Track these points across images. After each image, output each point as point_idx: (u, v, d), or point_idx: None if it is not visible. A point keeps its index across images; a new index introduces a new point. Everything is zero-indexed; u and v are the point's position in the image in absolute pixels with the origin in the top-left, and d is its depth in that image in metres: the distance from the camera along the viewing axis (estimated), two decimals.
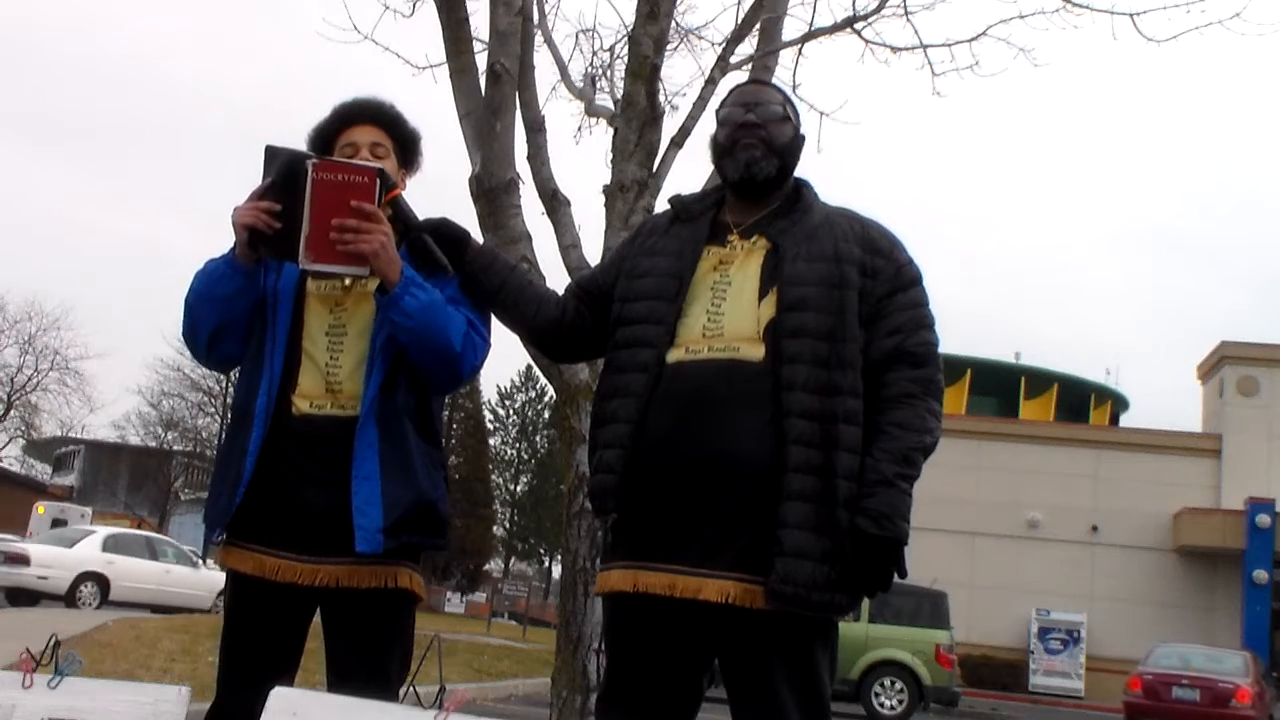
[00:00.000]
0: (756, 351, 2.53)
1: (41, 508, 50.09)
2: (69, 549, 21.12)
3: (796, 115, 2.80)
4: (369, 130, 2.82)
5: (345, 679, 2.62)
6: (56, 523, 47.58)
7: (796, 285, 2.55)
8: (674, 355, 2.58)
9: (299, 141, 2.83)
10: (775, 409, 2.47)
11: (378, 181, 2.60)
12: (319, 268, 2.64)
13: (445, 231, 2.81)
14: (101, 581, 20.80)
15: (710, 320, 2.58)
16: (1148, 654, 20.44)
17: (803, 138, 2.78)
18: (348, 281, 2.71)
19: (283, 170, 2.61)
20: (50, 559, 20.51)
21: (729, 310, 2.58)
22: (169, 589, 21.66)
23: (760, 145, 2.68)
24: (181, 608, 20.99)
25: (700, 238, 2.70)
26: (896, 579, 2.54)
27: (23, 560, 20.18)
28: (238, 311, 2.72)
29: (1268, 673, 21.10)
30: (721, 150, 2.73)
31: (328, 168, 2.59)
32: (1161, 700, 18.49)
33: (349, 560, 2.62)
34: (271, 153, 2.65)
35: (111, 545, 21.71)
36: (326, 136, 2.83)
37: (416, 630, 2.83)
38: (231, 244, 2.70)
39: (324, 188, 2.57)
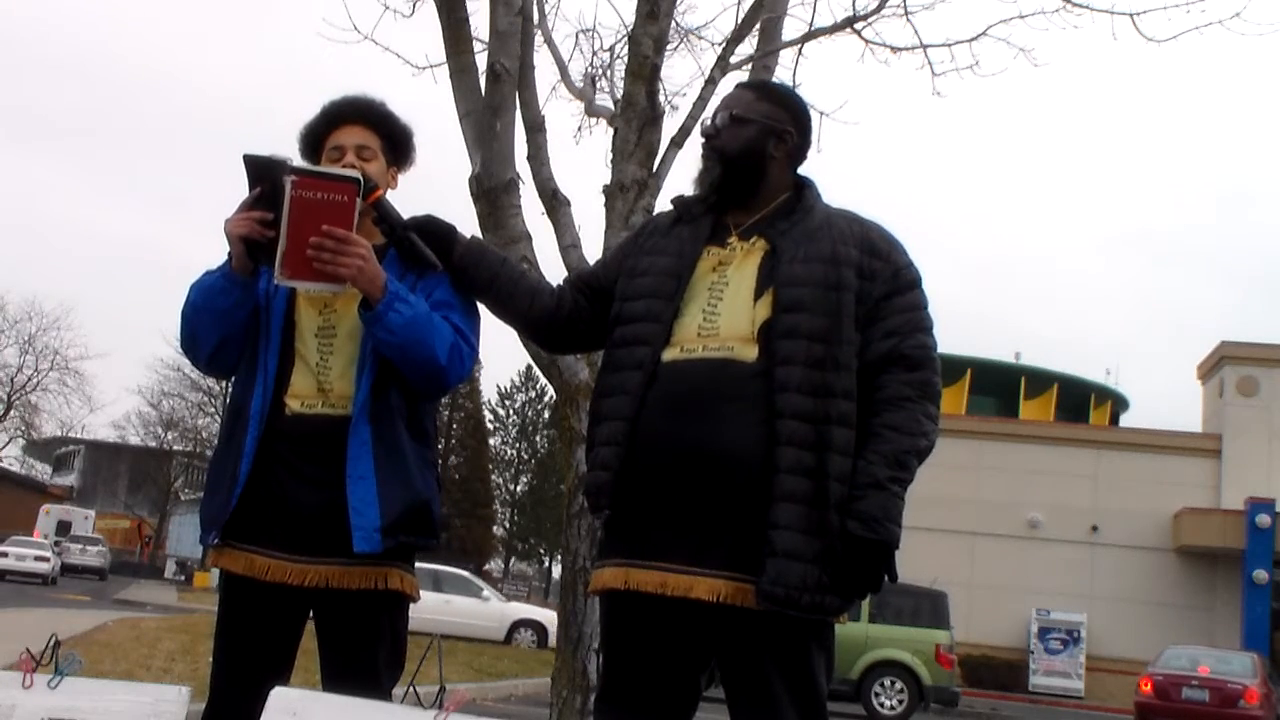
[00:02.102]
0: (750, 352, 2.52)
1: (48, 510, 50.44)
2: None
3: (770, 109, 2.72)
4: (356, 131, 2.80)
5: (337, 680, 2.62)
6: (61, 525, 47.99)
7: (792, 286, 2.54)
8: (669, 354, 2.58)
9: (290, 142, 2.83)
10: (768, 410, 2.47)
11: (357, 198, 2.59)
12: (295, 284, 2.64)
13: (431, 228, 2.80)
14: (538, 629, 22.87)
15: (706, 320, 2.58)
16: (1158, 655, 20.71)
17: (773, 127, 2.70)
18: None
19: (269, 179, 2.61)
20: None
21: (724, 310, 2.58)
22: (450, 619, 22.01)
23: (711, 155, 2.71)
24: (468, 638, 21.86)
25: (701, 238, 2.69)
26: (889, 581, 2.53)
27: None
28: (238, 323, 2.72)
29: (1273, 673, 21.21)
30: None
31: (307, 184, 2.57)
32: (1172, 700, 18.85)
33: (340, 561, 2.62)
34: (252, 162, 2.64)
35: None
36: (314, 137, 2.82)
37: (417, 630, 2.82)
38: (226, 256, 2.69)
39: (302, 205, 2.56)
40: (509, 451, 57.16)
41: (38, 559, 33.64)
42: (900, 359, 2.55)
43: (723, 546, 2.45)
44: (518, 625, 23.68)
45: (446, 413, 47.97)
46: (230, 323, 2.71)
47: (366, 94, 2.88)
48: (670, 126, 5.10)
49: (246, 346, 2.76)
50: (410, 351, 2.62)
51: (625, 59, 5.31)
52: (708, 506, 2.47)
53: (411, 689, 2.32)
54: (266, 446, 2.66)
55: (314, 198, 2.56)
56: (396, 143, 2.87)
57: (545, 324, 2.88)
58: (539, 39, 5.50)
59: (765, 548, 2.41)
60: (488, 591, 25.11)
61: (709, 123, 2.74)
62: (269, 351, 2.71)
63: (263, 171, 2.63)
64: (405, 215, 2.80)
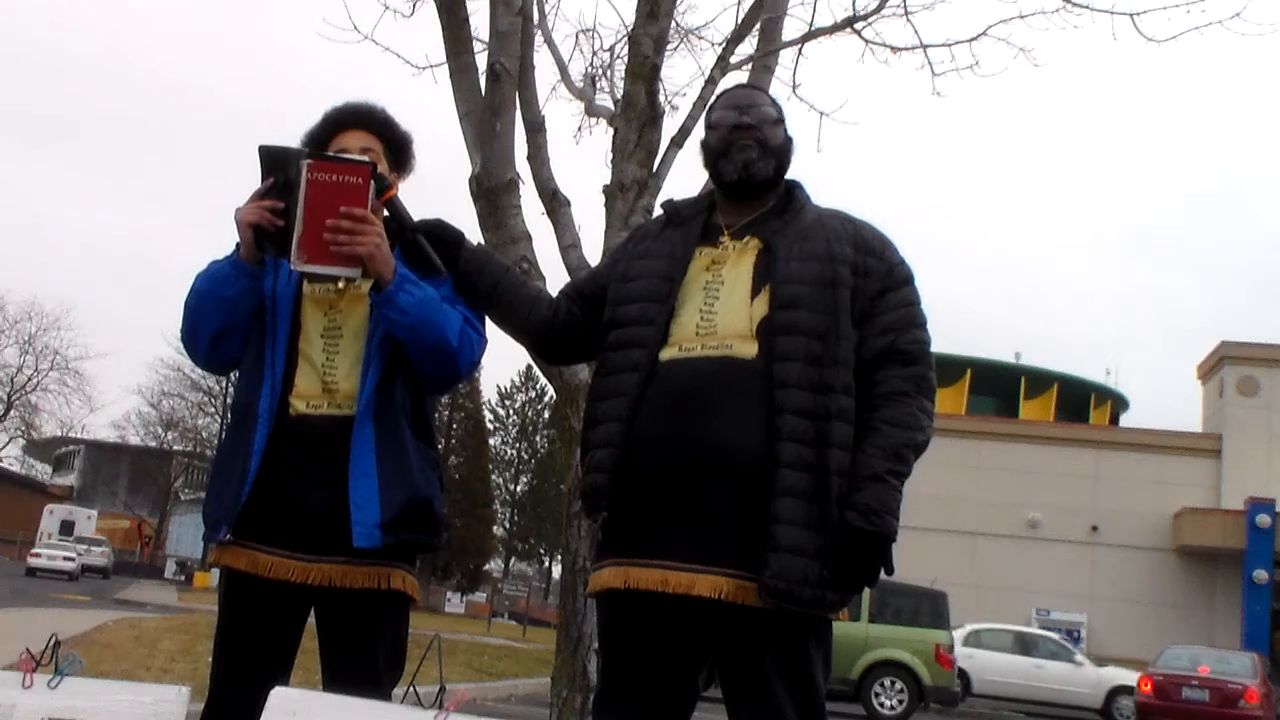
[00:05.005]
0: (750, 349, 2.53)
1: (51, 509, 50.94)
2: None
3: (786, 118, 2.81)
4: (359, 136, 2.82)
5: (337, 679, 2.62)
6: (65, 525, 48.67)
7: (789, 284, 2.55)
8: (667, 353, 2.59)
9: (292, 143, 2.83)
10: (768, 406, 2.48)
11: (371, 182, 2.60)
12: (311, 269, 2.64)
13: (440, 233, 2.82)
14: (961, 675, 21.46)
15: (703, 319, 2.59)
16: (1158, 655, 20.66)
17: (793, 141, 2.79)
18: (341, 284, 2.71)
19: (282, 169, 2.62)
20: None
21: (722, 308, 2.59)
22: (1041, 685, 21.02)
23: (756, 146, 2.68)
24: (1061, 704, 20.56)
25: (692, 239, 2.70)
26: (887, 576, 2.54)
27: None
28: (241, 314, 2.72)
29: (1273, 673, 21.21)
30: (715, 153, 2.72)
31: (322, 167, 2.59)
32: (1172, 700, 18.83)
33: (343, 560, 2.62)
34: (267, 153, 2.66)
35: (974, 640, 21.86)
36: (318, 143, 2.83)
37: (416, 630, 2.83)
38: (235, 245, 2.70)
39: (318, 188, 2.57)
40: (509, 451, 57.18)
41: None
42: (896, 355, 2.57)
43: (725, 544, 2.46)
44: (1116, 692, 21.26)
45: (446, 413, 47.98)
46: (233, 312, 2.71)
47: (369, 100, 2.90)
48: (670, 126, 5.10)
49: (250, 345, 2.76)
50: (422, 332, 2.63)
51: (625, 59, 5.31)
52: (708, 503, 2.47)
53: (411, 689, 2.32)
54: (274, 446, 2.67)
55: (329, 180, 2.57)
56: (398, 148, 2.89)
57: (543, 334, 2.89)
58: (539, 39, 5.50)
59: (767, 542, 2.42)
60: (1080, 655, 22.73)
61: (744, 116, 2.70)
62: (276, 353, 2.71)
63: (276, 162, 2.64)
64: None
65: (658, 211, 2.90)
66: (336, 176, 2.58)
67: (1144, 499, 30.98)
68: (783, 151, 2.73)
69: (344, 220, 2.56)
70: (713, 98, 2.89)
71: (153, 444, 61.98)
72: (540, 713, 8.10)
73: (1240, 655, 20.91)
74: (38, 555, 38.88)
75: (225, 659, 2.72)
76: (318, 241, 2.57)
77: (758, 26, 5.62)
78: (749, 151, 2.67)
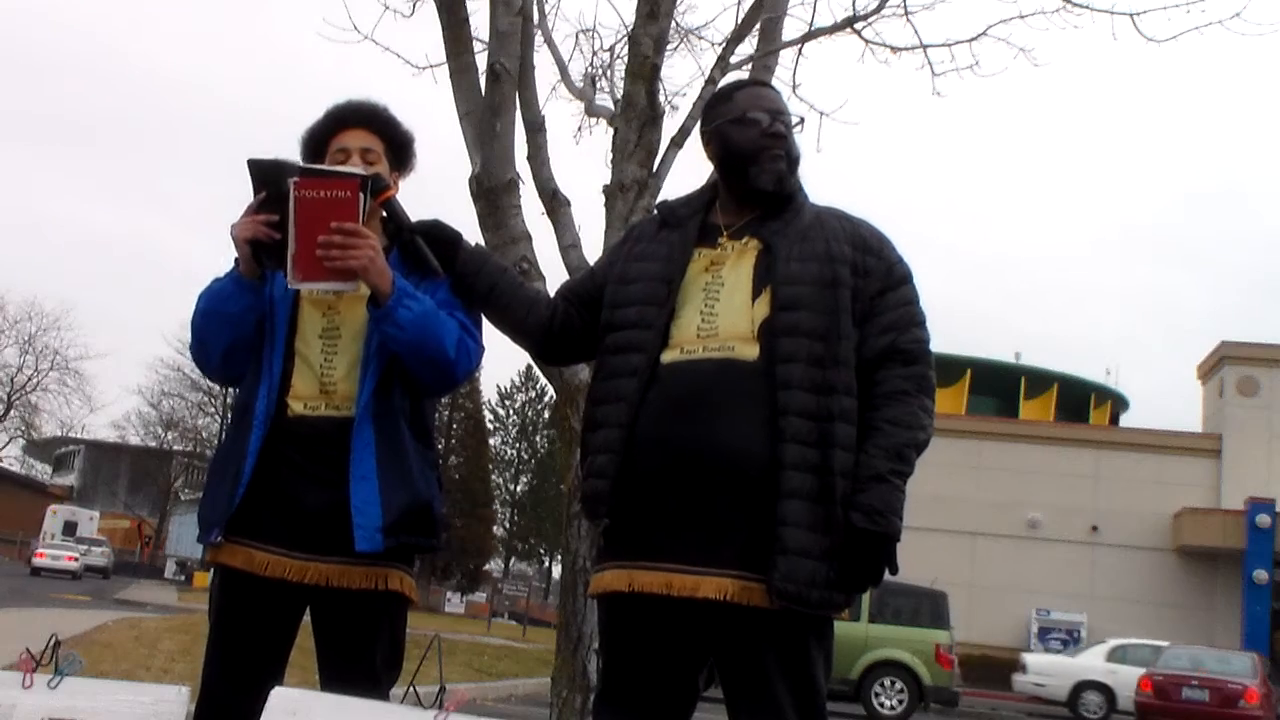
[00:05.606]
0: (751, 351, 2.53)
1: (55, 510, 51.25)
2: (1071, 658, 23.36)
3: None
4: (361, 135, 2.81)
5: (335, 680, 2.62)
6: (68, 525, 49.04)
7: (790, 285, 2.55)
8: (668, 356, 2.58)
9: (292, 144, 2.83)
10: (771, 408, 2.47)
11: (361, 193, 2.59)
12: (309, 286, 2.64)
13: (437, 234, 2.81)
14: (1105, 691, 21.72)
15: (704, 320, 2.58)
16: (1158, 655, 20.55)
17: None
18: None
19: (273, 183, 2.61)
20: (1049, 667, 22.85)
21: (722, 310, 2.58)
22: None
23: (785, 159, 2.67)
24: None
25: (689, 241, 2.69)
26: (891, 576, 2.55)
27: (1020, 668, 22.96)
28: (248, 328, 2.72)
29: (1273, 673, 21.18)
30: (745, 156, 2.67)
31: (309, 184, 2.58)
32: (1172, 700, 18.81)
33: (341, 560, 2.62)
34: (256, 166, 2.65)
35: (1118, 656, 22.32)
36: (319, 140, 2.83)
37: (416, 630, 2.82)
38: (234, 262, 2.70)
39: (307, 205, 2.56)
40: (509, 451, 57.17)
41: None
42: (897, 354, 2.57)
43: (729, 545, 2.46)
44: None
45: (446, 413, 47.97)
46: (240, 327, 2.71)
47: (370, 98, 2.89)
48: (670, 126, 5.09)
49: (254, 351, 2.76)
50: (419, 346, 2.63)
51: (625, 59, 5.30)
52: (712, 506, 2.47)
53: (411, 689, 2.32)
54: (271, 448, 2.67)
55: (318, 196, 2.57)
56: (399, 147, 2.88)
57: (540, 335, 2.89)
58: (539, 39, 5.50)
59: (775, 545, 2.42)
60: None
61: (776, 124, 2.68)
62: (274, 355, 2.71)
63: (266, 175, 2.63)
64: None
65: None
66: (325, 192, 2.57)
67: (1144, 499, 30.98)
68: (799, 162, 2.72)
69: (335, 235, 2.56)
70: (725, 83, 2.85)
71: (153, 444, 61.98)
72: (540, 713, 8.10)
73: (1240, 655, 20.89)
74: (43, 555, 40.23)
75: (219, 657, 2.72)
76: (311, 258, 2.57)
77: (758, 26, 5.62)
78: (779, 164, 2.66)
